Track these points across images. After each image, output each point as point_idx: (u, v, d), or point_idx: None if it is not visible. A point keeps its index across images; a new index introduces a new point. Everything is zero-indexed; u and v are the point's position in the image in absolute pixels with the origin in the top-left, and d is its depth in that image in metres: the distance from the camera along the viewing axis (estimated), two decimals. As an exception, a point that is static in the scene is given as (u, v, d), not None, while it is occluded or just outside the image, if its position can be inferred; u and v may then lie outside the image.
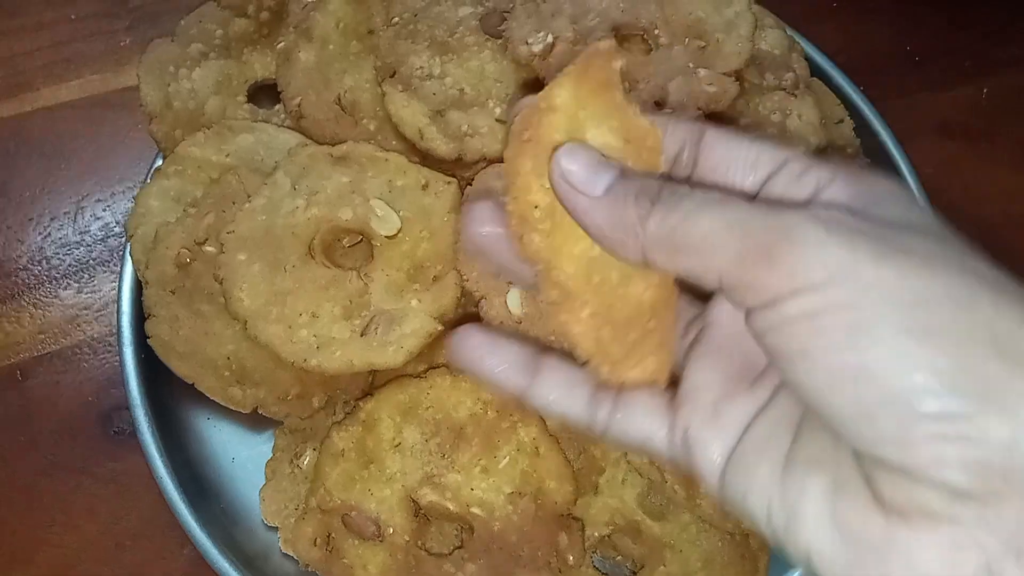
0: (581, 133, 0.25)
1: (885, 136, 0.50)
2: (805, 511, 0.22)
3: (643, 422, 0.27)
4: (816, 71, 0.50)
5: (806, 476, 0.22)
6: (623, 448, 0.40)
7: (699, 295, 0.27)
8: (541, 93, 0.25)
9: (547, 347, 0.29)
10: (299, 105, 0.43)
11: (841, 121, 0.50)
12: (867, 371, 0.20)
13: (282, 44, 0.46)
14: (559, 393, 0.28)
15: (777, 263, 0.21)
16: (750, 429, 0.24)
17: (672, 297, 0.26)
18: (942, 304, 0.19)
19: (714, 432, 0.25)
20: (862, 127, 0.50)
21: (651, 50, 0.41)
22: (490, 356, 0.29)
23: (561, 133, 0.25)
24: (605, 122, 0.25)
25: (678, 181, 0.25)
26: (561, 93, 0.25)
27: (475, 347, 0.29)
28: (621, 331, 0.26)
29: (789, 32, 0.48)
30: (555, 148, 0.25)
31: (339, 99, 0.43)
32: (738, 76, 0.41)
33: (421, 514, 0.37)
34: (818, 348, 0.20)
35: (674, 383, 0.27)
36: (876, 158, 0.50)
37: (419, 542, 0.37)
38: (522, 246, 0.26)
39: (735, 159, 0.25)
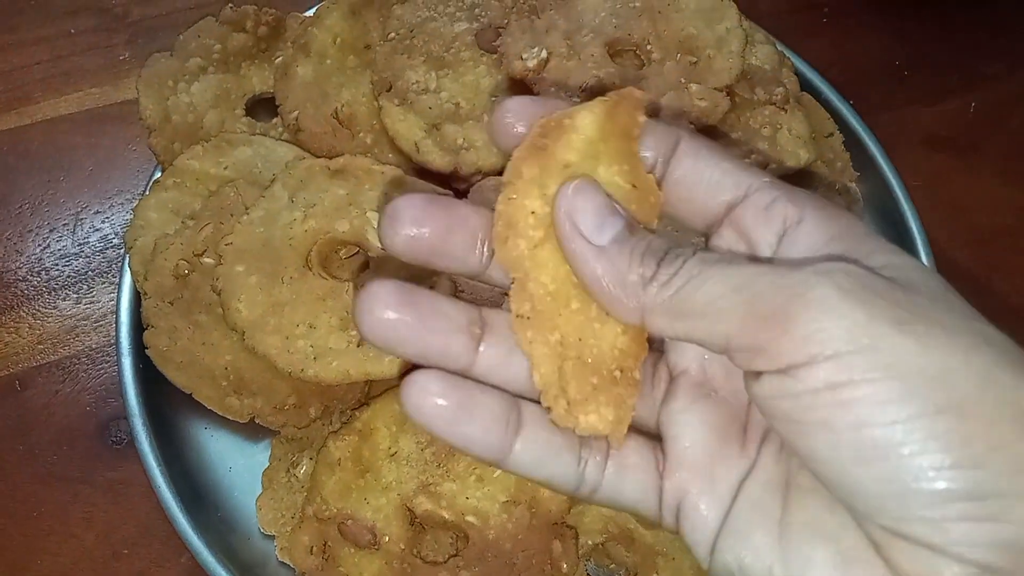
0: (594, 163, 0.25)
1: (874, 149, 0.51)
2: None
3: (636, 484, 0.25)
4: (806, 85, 0.51)
5: (809, 545, 0.22)
6: (607, 508, 0.39)
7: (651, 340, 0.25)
8: (568, 110, 0.25)
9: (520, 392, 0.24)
10: (297, 118, 0.44)
11: (831, 135, 0.51)
12: (896, 449, 0.19)
13: (280, 58, 0.46)
14: (544, 454, 0.24)
15: (790, 328, 0.20)
16: (741, 492, 0.24)
17: (642, 352, 0.25)
18: (965, 378, 0.19)
19: (708, 497, 0.24)
20: (851, 140, 0.51)
21: (643, 65, 0.42)
22: (462, 420, 0.23)
23: (576, 155, 0.25)
24: (617, 163, 0.25)
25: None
26: (588, 118, 0.25)
27: (438, 401, 0.23)
28: (585, 371, 0.24)
29: (779, 47, 0.49)
30: (566, 166, 0.25)
31: (336, 113, 0.44)
32: (729, 91, 0.42)
33: (417, 522, 0.37)
34: (841, 422, 0.19)
35: (642, 435, 0.26)
36: (865, 171, 0.51)
37: (414, 550, 0.37)
38: (503, 250, 0.25)
39: (699, 180, 0.24)
